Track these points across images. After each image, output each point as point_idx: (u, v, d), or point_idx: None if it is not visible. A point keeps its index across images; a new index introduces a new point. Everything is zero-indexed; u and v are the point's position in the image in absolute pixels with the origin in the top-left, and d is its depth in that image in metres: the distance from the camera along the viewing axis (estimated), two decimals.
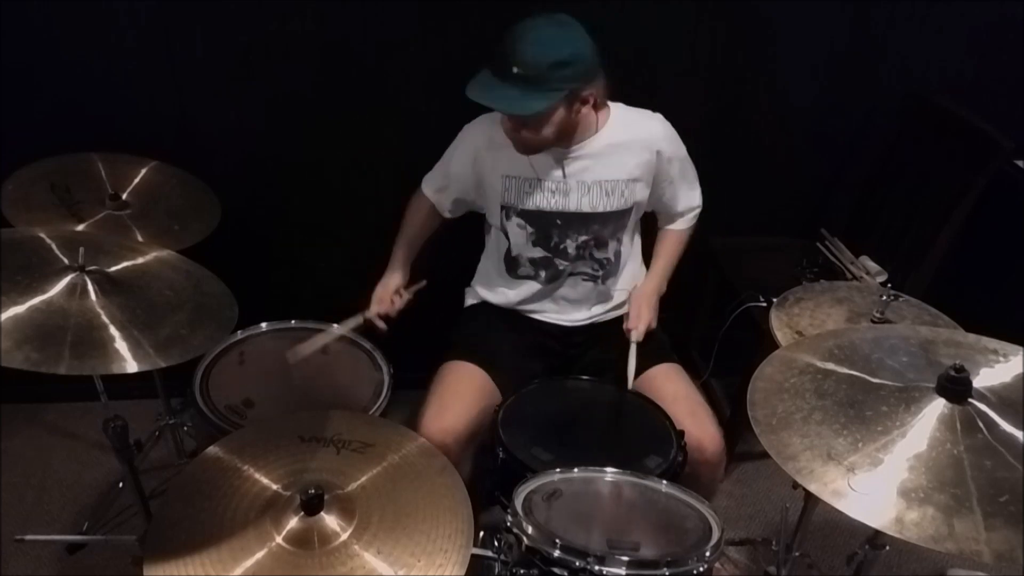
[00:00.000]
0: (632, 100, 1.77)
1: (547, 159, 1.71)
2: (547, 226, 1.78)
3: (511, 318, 1.90)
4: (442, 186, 1.88)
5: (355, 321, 1.77)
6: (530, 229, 1.79)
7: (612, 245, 1.81)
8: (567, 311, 1.88)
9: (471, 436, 1.65)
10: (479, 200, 1.86)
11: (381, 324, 1.78)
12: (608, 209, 1.76)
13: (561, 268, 1.82)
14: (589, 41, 1.57)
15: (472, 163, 1.80)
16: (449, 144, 1.84)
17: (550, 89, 1.54)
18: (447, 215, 1.92)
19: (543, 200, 1.75)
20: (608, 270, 1.84)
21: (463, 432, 1.63)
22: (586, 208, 1.75)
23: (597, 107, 1.68)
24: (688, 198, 1.90)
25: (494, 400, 1.72)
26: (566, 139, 1.69)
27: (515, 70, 1.52)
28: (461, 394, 1.71)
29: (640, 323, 1.78)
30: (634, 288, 1.87)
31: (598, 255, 1.81)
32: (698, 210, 1.94)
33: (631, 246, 1.88)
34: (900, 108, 2.22)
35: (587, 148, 1.72)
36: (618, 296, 1.88)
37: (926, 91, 2.18)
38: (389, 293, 1.80)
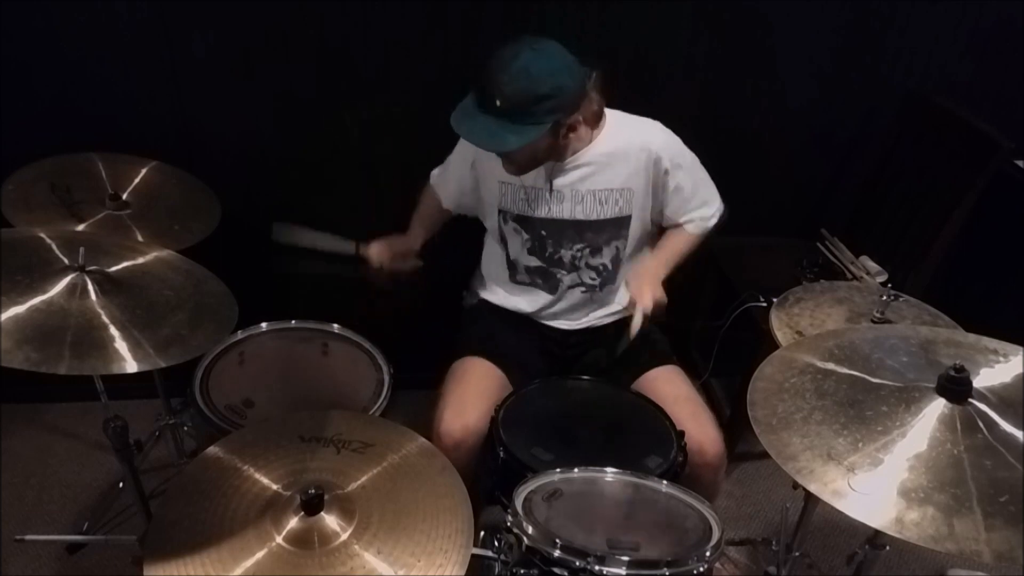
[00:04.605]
0: (631, 101, 1.77)
1: (541, 168, 1.71)
2: (541, 233, 1.77)
3: (513, 318, 1.89)
4: (442, 181, 1.91)
5: (346, 245, 1.84)
6: (525, 236, 1.79)
7: (608, 252, 1.80)
8: (566, 317, 1.88)
9: (488, 434, 1.63)
10: (476, 203, 1.87)
11: (373, 262, 1.83)
12: (602, 217, 1.75)
13: (559, 278, 1.82)
14: (574, 69, 1.54)
15: (470, 166, 1.80)
16: (452, 143, 1.84)
17: (533, 123, 1.51)
18: (451, 208, 1.93)
19: (537, 208, 1.75)
20: (605, 277, 1.83)
21: (483, 429, 1.62)
22: (580, 216, 1.74)
23: (591, 123, 1.66)
24: (696, 209, 1.81)
25: None
26: (557, 156, 1.68)
27: (497, 103, 1.49)
28: (480, 391, 1.70)
29: (644, 296, 1.67)
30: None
31: (593, 262, 1.81)
32: (713, 220, 1.84)
33: (633, 256, 1.84)
34: (900, 108, 2.22)
35: (582, 158, 1.71)
36: (617, 303, 1.87)
37: (926, 91, 2.18)
38: (393, 245, 1.84)
